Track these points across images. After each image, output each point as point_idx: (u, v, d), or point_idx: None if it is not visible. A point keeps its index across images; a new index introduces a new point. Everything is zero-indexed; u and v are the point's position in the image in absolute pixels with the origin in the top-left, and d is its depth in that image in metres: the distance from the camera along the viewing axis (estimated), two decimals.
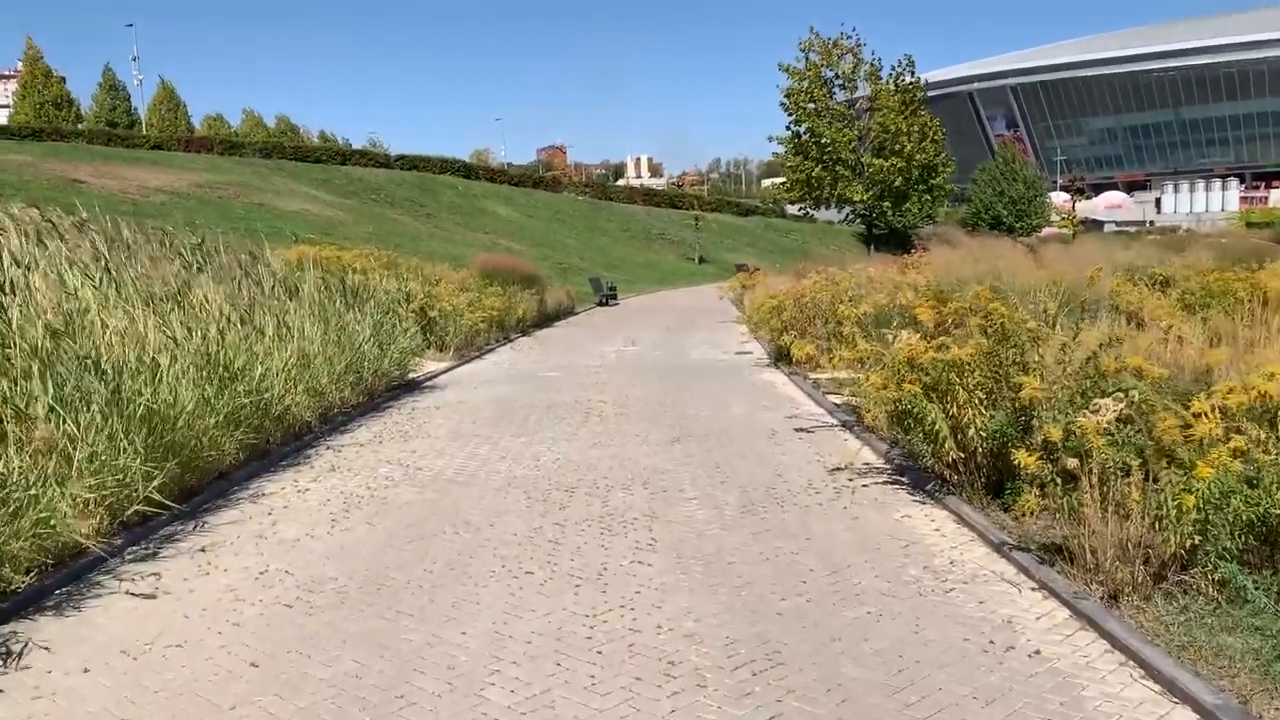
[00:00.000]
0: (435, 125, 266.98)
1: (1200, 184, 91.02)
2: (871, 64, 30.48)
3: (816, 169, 29.41)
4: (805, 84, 29.74)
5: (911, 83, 30.69)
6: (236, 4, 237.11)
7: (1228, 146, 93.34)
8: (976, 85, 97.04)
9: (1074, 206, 57.00)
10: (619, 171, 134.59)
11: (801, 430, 9.96)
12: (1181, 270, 15.54)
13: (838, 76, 30.81)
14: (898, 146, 29.38)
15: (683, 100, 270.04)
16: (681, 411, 11.33)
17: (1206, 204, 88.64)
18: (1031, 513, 5.61)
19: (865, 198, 29.87)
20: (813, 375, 13.96)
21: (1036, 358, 6.61)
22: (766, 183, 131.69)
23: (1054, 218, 60.63)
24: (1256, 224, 64.22)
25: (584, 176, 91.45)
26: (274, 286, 10.86)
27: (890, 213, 32.70)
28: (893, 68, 31.21)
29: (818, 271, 16.77)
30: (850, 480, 7.73)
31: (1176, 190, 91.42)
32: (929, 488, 7.04)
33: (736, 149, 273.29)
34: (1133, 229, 63.44)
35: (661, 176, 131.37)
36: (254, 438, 8.45)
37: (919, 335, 8.56)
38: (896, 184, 29.51)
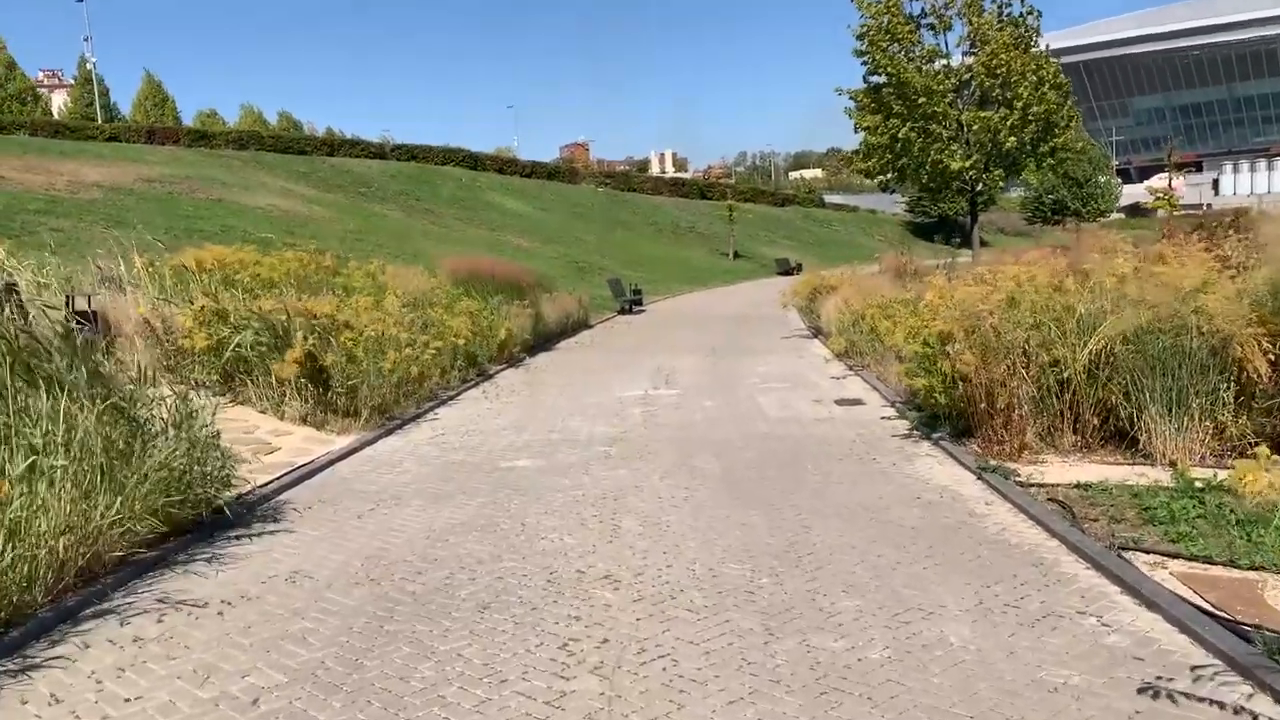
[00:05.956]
0: (452, 127, 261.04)
1: (1261, 164, 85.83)
2: None
3: (904, 128, 22.12)
4: (885, 20, 22.57)
5: (1024, 12, 23.24)
6: (250, 5, 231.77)
7: None
8: None
9: (1170, 184, 49.04)
10: (643, 167, 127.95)
11: None
12: None
13: (925, 13, 23.48)
14: (1008, 96, 22.02)
15: (702, 93, 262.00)
16: (813, 640, 4.40)
17: (1269, 184, 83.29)
18: None
19: (968, 165, 22.47)
20: (1028, 476, 7.05)
21: None
22: (794, 174, 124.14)
23: (1141, 199, 53.56)
24: None
25: (605, 169, 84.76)
26: None
27: (1002, 184, 25.28)
28: None
29: (987, 267, 9.82)
30: None
31: (1236, 171, 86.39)
32: None
33: (760, 142, 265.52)
34: (1199, 214, 57.07)
35: (686, 171, 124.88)
36: None
37: None
38: (1008, 145, 22.06)
